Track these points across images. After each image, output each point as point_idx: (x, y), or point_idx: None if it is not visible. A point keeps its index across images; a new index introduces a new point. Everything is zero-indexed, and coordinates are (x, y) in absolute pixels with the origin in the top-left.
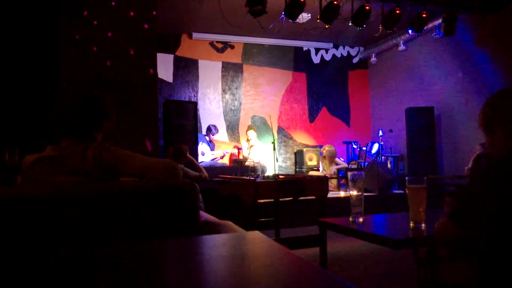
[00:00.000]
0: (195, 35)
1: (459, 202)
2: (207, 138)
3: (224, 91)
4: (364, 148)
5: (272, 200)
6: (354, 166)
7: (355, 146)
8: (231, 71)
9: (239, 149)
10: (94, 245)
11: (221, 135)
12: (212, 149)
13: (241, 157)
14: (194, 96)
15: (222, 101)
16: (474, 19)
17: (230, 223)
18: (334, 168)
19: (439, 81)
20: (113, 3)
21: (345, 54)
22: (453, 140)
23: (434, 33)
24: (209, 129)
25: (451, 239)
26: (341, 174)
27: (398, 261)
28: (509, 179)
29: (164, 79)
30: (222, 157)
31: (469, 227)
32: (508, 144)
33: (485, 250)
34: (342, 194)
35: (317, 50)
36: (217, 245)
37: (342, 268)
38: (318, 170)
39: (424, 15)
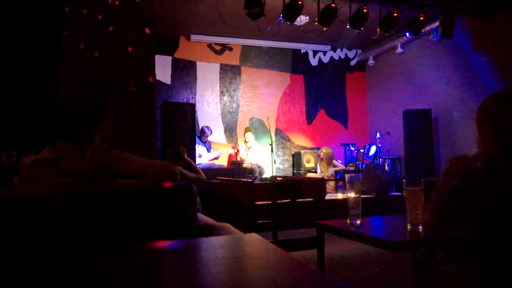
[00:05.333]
0: (193, 37)
1: (444, 197)
2: (201, 140)
3: (222, 93)
4: (361, 150)
5: (270, 202)
6: (352, 168)
7: (352, 148)
8: (229, 73)
9: (237, 150)
10: (91, 247)
11: (219, 137)
12: (209, 150)
13: (238, 159)
14: (192, 98)
15: (220, 103)
16: (471, 22)
17: (227, 225)
18: (331, 170)
19: (436, 83)
20: (112, 5)
21: (343, 56)
22: (451, 143)
23: (431, 36)
24: (202, 131)
25: (436, 231)
26: (338, 176)
27: (396, 263)
28: (491, 181)
29: (162, 81)
30: (216, 158)
31: (452, 222)
32: (493, 145)
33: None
34: (339, 196)
35: (315, 52)
36: (214, 247)
37: (339, 271)
38: (315, 172)
39: (421, 18)
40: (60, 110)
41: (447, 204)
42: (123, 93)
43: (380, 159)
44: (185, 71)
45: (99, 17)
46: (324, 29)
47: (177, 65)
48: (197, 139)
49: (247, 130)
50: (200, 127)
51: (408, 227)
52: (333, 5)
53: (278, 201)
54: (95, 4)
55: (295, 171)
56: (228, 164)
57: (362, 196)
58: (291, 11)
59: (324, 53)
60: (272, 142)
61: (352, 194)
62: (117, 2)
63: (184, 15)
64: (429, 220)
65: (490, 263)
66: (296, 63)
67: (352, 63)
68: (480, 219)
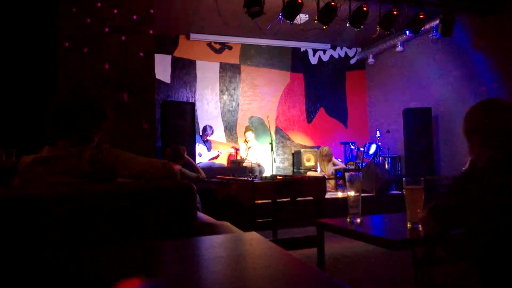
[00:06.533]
0: (193, 36)
1: (439, 200)
2: (202, 139)
3: (222, 92)
4: (361, 149)
5: (270, 200)
6: (352, 167)
7: (352, 147)
8: (229, 72)
9: (236, 149)
10: (91, 246)
11: (219, 136)
12: (209, 149)
13: (239, 158)
14: (192, 97)
15: (220, 102)
16: (471, 20)
17: (227, 224)
18: (332, 169)
19: (436, 82)
20: (110, 4)
21: (342, 55)
22: (450, 141)
23: (431, 34)
24: (204, 130)
25: (431, 231)
26: (338, 175)
27: (395, 262)
28: (485, 187)
29: (162, 79)
30: (216, 157)
31: (446, 224)
32: (483, 153)
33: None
34: (339, 194)
35: (315, 51)
36: (214, 246)
37: (339, 269)
38: (316, 170)
39: (421, 16)
40: (59, 109)
41: (441, 205)
42: (122, 93)
43: (380, 158)
44: (184, 70)
45: (98, 16)
46: (324, 27)
47: (177, 64)
48: (198, 138)
49: (247, 129)
50: (203, 126)
51: (408, 225)
52: (332, 3)
53: (278, 200)
54: (94, 3)
55: (295, 170)
56: (228, 163)
57: (362, 194)
58: (291, 10)
59: (324, 51)
60: (272, 141)
61: (352, 193)
62: (116, 2)
63: (184, 14)
64: (423, 219)
65: (488, 262)
66: (296, 62)
67: (352, 61)
68: (476, 221)
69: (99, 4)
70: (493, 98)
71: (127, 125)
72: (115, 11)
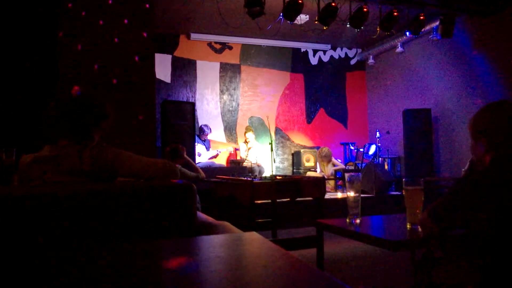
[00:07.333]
0: (193, 35)
1: (439, 201)
2: (201, 138)
3: (222, 91)
4: (361, 150)
5: (269, 201)
6: (351, 168)
7: (352, 148)
8: (229, 72)
9: (236, 149)
10: (91, 245)
11: (219, 136)
12: (208, 149)
13: (238, 158)
14: (192, 96)
15: (220, 101)
16: (471, 21)
17: (227, 223)
18: (331, 169)
19: (436, 83)
20: (110, 3)
21: (342, 55)
22: (450, 142)
23: (431, 35)
24: (201, 130)
25: (429, 232)
26: (338, 176)
27: (395, 263)
28: (490, 189)
29: (162, 79)
30: (215, 156)
31: (446, 225)
32: (487, 154)
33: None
34: (339, 195)
35: (315, 51)
36: (214, 246)
37: (339, 269)
38: (315, 171)
39: (421, 17)
40: (60, 108)
41: (441, 206)
42: (123, 92)
43: (380, 159)
44: (185, 69)
45: (98, 16)
46: (324, 28)
47: (177, 63)
48: (196, 137)
49: (248, 130)
50: (199, 126)
51: (408, 226)
52: (333, 4)
53: (277, 200)
54: (94, 2)
55: (294, 170)
56: (227, 163)
57: (362, 195)
58: (291, 10)
59: (324, 52)
60: (271, 141)
61: (351, 193)
62: (116, 1)
63: (184, 13)
64: (423, 220)
65: (488, 262)
66: (296, 62)
67: (352, 62)
68: (476, 221)
69: (99, 3)
70: (502, 101)
71: (127, 125)
72: (115, 10)
